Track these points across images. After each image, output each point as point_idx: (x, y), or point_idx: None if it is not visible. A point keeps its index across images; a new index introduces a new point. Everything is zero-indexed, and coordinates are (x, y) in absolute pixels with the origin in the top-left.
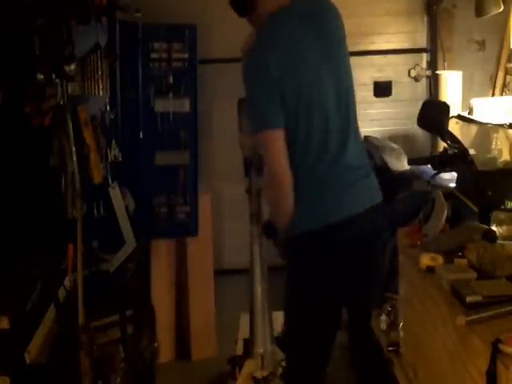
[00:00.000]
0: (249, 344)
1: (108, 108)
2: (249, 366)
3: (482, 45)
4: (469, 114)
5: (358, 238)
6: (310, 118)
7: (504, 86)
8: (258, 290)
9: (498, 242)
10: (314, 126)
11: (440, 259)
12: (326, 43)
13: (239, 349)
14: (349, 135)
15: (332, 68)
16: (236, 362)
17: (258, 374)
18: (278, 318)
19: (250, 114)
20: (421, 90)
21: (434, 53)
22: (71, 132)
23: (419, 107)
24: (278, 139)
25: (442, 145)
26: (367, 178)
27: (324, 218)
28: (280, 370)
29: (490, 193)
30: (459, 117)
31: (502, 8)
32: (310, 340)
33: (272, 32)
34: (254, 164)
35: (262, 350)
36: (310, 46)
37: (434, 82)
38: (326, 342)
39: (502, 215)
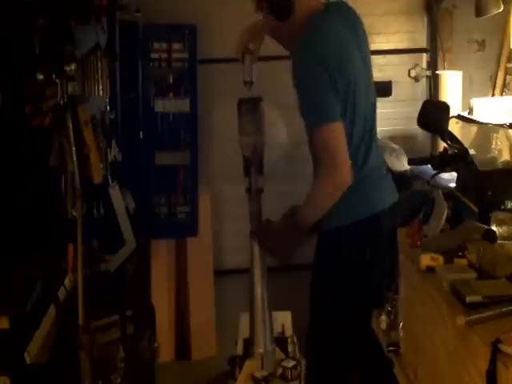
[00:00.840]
0: (249, 344)
1: (108, 108)
2: (249, 366)
3: (481, 45)
4: (469, 114)
5: (382, 234)
6: (353, 119)
7: (504, 85)
8: (258, 290)
9: (498, 241)
10: (356, 127)
11: (440, 259)
12: (359, 44)
13: (239, 349)
14: (373, 136)
15: (365, 69)
16: (236, 362)
17: (258, 374)
18: (278, 318)
19: (307, 110)
20: (421, 90)
21: (434, 53)
22: (71, 132)
23: (419, 107)
24: (340, 130)
25: (442, 145)
26: (387, 177)
27: (354, 214)
28: (280, 370)
29: (489, 193)
30: (459, 117)
31: (502, 8)
32: (339, 336)
33: (319, 30)
34: (254, 164)
35: (261, 350)
36: (350, 46)
37: (434, 82)
38: (354, 339)
39: (501, 215)
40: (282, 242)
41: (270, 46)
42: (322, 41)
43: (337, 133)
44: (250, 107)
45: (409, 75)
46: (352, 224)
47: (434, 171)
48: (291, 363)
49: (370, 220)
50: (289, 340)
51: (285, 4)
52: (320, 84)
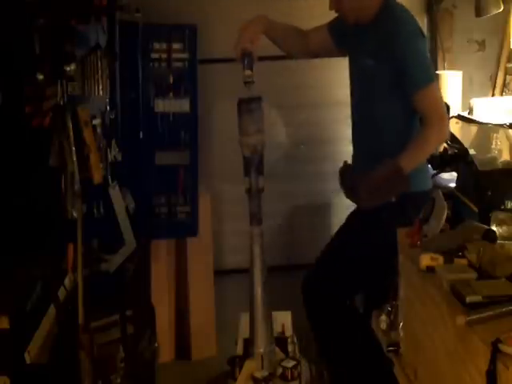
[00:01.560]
0: (249, 344)
1: (108, 108)
2: (249, 366)
3: (481, 45)
4: (469, 114)
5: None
6: None
7: (504, 85)
8: (258, 290)
9: (498, 241)
10: None
11: (440, 259)
12: None
13: (239, 349)
14: None
15: None
16: (236, 362)
17: (258, 374)
18: (278, 318)
19: (416, 72)
20: None
21: (434, 53)
22: (71, 132)
23: None
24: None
25: (442, 145)
26: None
27: (424, 184)
28: (280, 370)
29: (489, 193)
30: (459, 117)
31: (502, 8)
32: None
33: (403, 8)
34: (254, 164)
35: (261, 350)
36: None
37: None
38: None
39: (501, 215)
40: (382, 188)
41: (270, 46)
42: (411, 15)
43: (439, 90)
44: (250, 107)
45: None
46: (420, 193)
47: (434, 171)
48: (291, 363)
49: (426, 194)
50: (289, 340)
51: None
52: (424, 49)
